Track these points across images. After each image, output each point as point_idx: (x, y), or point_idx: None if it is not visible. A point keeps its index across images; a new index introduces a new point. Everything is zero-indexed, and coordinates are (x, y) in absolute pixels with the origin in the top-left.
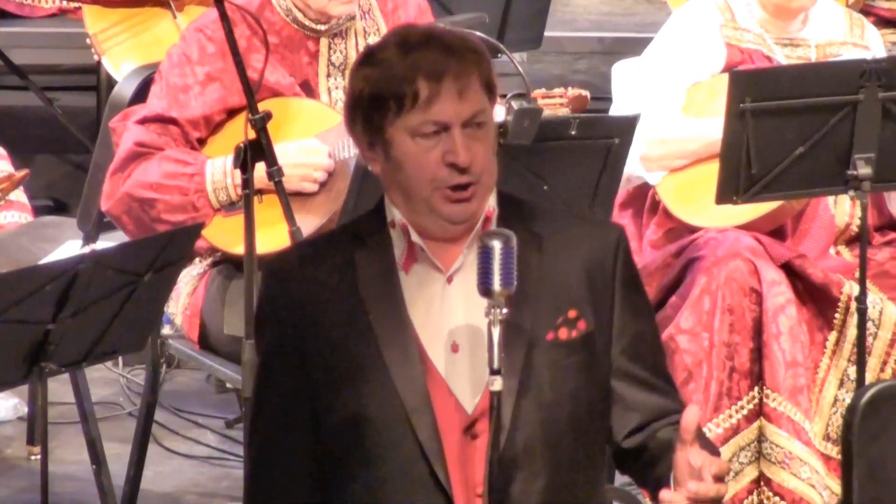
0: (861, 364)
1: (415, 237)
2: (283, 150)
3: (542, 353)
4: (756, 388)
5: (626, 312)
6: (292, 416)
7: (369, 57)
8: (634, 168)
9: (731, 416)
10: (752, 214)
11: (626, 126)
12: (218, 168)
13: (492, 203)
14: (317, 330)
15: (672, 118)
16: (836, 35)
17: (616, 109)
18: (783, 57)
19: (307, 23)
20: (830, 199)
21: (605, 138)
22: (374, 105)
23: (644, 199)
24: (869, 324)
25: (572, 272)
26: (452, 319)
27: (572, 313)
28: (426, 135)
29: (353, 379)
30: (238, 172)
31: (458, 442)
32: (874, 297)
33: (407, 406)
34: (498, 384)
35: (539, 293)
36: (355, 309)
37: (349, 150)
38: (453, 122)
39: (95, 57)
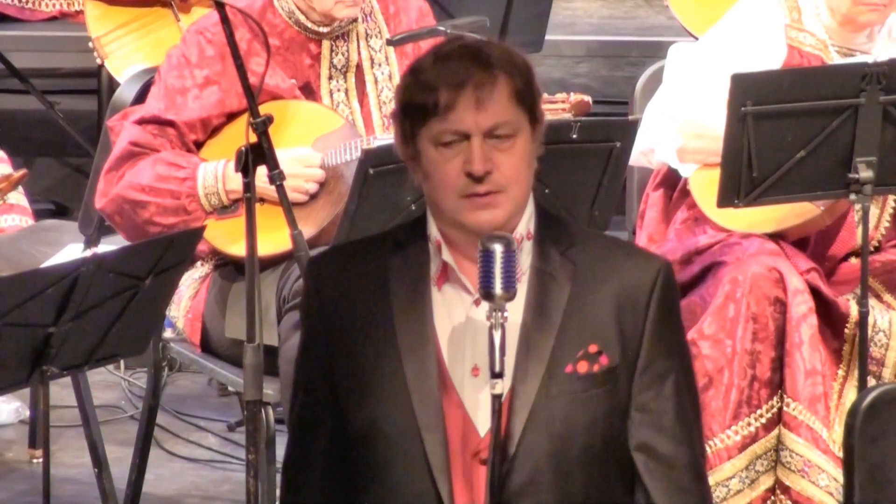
0: (863, 367)
1: (446, 255)
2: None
3: (558, 385)
4: (775, 398)
5: (654, 350)
6: (316, 413)
7: (410, 67)
8: (668, 158)
9: (749, 425)
10: (779, 223)
11: (628, 129)
12: (210, 173)
13: (525, 227)
14: (345, 334)
15: (714, 113)
16: None
17: (664, 91)
18: None
19: (309, 25)
20: (857, 214)
21: (607, 142)
22: (406, 114)
23: (678, 180)
24: (880, 335)
25: (602, 304)
26: (477, 342)
27: (593, 348)
28: (447, 144)
29: (372, 387)
30: (230, 178)
31: (467, 464)
32: (881, 308)
33: (420, 421)
34: (499, 388)
35: (564, 323)
36: (383, 318)
37: (351, 153)
38: (472, 131)
39: (98, 60)
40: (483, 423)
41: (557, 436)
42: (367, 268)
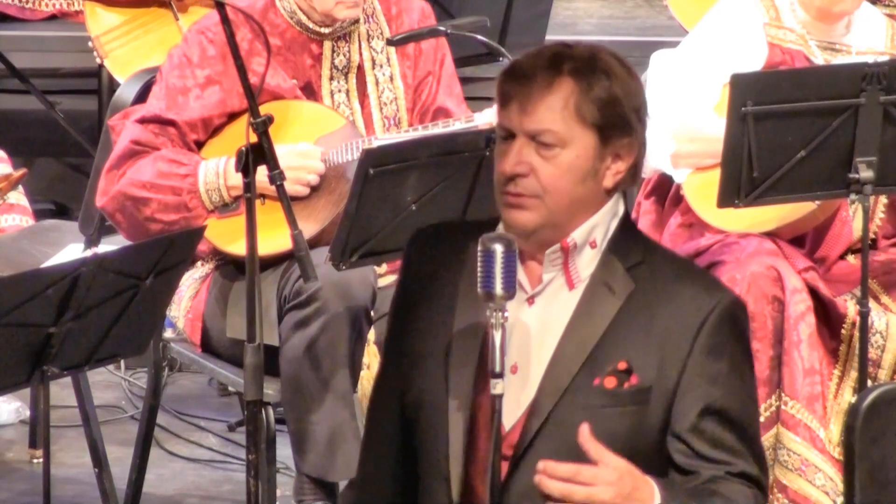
0: (863, 367)
1: None
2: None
3: (581, 396)
4: (773, 396)
5: (695, 379)
6: (390, 379)
7: None
8: (662, 164)
9: None
10: (776, 222)
11: None
12: (211, 170)
13: (586, 235)
14: (420, 308)
15: (704, 116)
16: (876, 44)
17: (651, 99)
18: (823, 61)
19: (311, 25)
20: (851, 208)
21: None
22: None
23: (669, 187)
24: (877, 337)
25: (650, 325)
26: (522, 340)
27: (622, 365)
28: (501, 138)
29: (423, 363)
30: (231, 175)
31: (488, 456)
32: (878, 310)
33: (450, 403)
34: (499, 388)
35: (605, 337)
36: (449, 300)
37: (352, 153)
38: (517, 130)
39: (98, 60)
40: (511, 420)
41: (572, 445)
42: (454, 249)
